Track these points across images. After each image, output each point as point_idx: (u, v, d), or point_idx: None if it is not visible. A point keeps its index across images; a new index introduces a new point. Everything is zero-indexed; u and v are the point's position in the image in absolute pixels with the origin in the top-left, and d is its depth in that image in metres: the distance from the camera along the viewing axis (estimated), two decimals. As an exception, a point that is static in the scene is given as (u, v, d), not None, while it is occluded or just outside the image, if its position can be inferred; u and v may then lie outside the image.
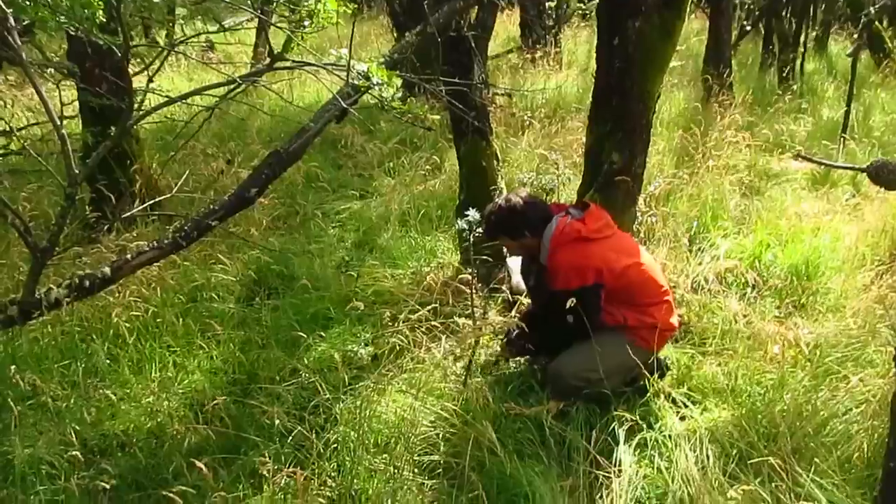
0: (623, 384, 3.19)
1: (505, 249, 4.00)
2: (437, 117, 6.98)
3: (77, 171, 2.80)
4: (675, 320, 3.25)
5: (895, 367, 1.27)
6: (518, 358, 3.43)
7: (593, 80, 4.01)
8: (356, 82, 2.19)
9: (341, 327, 3.81)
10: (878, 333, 3.34)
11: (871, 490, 2.53)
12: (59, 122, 2.85)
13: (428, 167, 6.21)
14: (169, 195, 3.66)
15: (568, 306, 2.89)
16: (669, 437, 2.94)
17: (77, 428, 2.91)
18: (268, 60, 2.68)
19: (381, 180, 6.13)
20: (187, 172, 4.15)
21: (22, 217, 2.86)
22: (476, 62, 4.06)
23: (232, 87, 2.97)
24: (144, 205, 3.60)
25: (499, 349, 3.44)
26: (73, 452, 2.76)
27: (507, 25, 13.26)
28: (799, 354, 3.37)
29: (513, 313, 3.82)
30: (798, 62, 10.44)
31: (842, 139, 6.63)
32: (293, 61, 2.60)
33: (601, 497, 2.69)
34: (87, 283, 2.97)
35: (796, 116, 7.63)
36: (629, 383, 3.22)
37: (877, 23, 10.74)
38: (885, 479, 1.34)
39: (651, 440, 2.93)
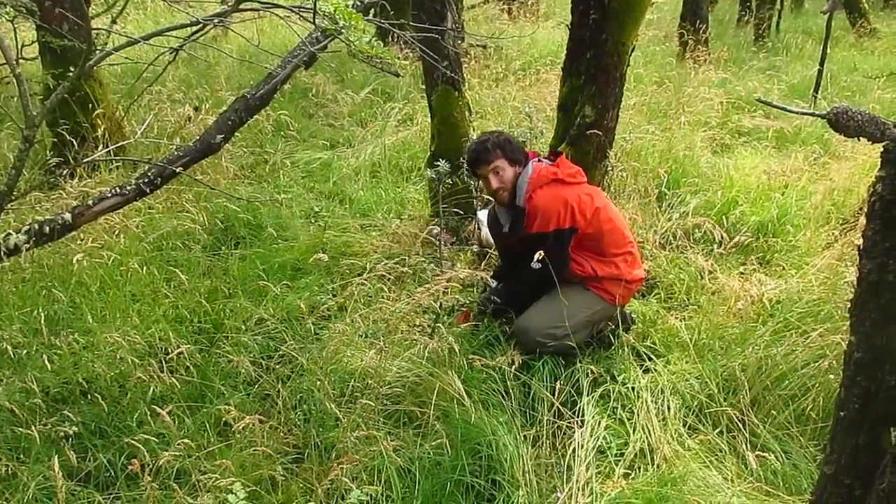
0: (590, 337, 3.22)
1: (475, 201, 3.99)
2: (407, 62, 6.89)
3: (35, 113, 2.71)
4: (640, 273, 3.28)
5: (850, 319, 1.29)
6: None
7: (568, 32, 3.97)
8: (323, 25, 2.13)
9: (309, 278, 3.79)
10: (838, 290, 3.40)
11: (824, 441, 2.60)
12: (14, 62, 2.75)
13: (400, 118, 6.14)
14: (132, 140, 3.56)
15: (537, 258, 2.88)
16: (632, 389, 2.99)
17: (38, 375, 2.88)
18: (233, 1, 2.60)
19: (352, 130, 6.05)
20: (151, 116, 4.04)
21: (-23, 160, 2.78)
22: (450, 10, 3.97)
23: (197, 28, 2.88)
24: (107, 149, 3.50)
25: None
26: (35, 400, 2.74)
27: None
28: (761, 310, 3.44)
29: (482, 266, 3.83)
30: (774, 20, 10.44)
31: (813, 98, 6.66)
32: (259, 2, 2.51)
33: (563, 446, 2.74)
34: (47, 228, 2.90)
35: (770, 74, 7.63)
36: (595, 336, 3.26)
37: (853, -18, 10.73)
38: (835, 426, 1.37)
39: (614, 392, 2.97)
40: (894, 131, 1.02)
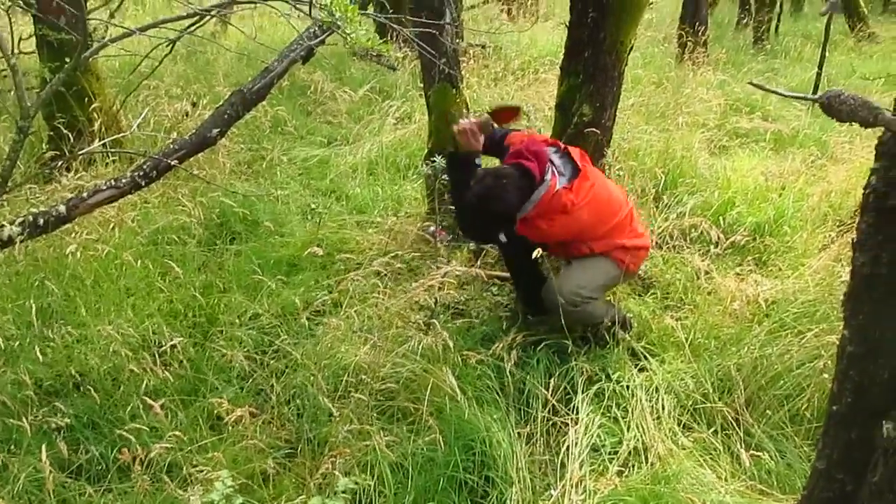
0: (609, 310, 3.22)
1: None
2: (405, 60, 6.88)
3: (30, 104, 2.70)
4: (643, 241, 3.24)
5: (843, 312, 1.28)
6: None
7: (567, 32, 3.97)
8: (319, 16, 2.13)
9: (304, 273, 3.78)
10: (834, 290, 3.40)
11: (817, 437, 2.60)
12: (9, 52, 2.74)
13: (398, 115, 6.13)
14: (129, 134, 3.54)
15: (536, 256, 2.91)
16: (627, 387, 2.98)
17: (31, 368, 2.86)
18: (230, -6, 2.60)
19: (349, 128, 6.04)
20: (146, 110, 4.02)
21: (-29, 151, 2.77)
22: (448, 7, 3.96)
23: (194, 20, 2.87)
24: (102, 142, 3.49)
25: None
26: (28, 392, 2.73)
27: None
28: (757, 310, 3.43)
29: (478, 263, 3.82)
30: (773, 23, 10.45)
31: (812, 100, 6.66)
32: (256, -5, 2.51)
33: (557, 444, 2.73)
34: (41, 220, 2.89)
35: (769, 77, 7.63)
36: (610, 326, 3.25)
37: (852, -14, 10.75)
38: (827, 421, 1.37)
39: (609, 390, 2.97)
40: (886, 116, 1.02)
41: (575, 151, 3.18)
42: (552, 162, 3.09)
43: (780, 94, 1.16)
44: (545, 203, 2.99)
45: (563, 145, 3.24)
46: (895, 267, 1.15)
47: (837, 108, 1.05)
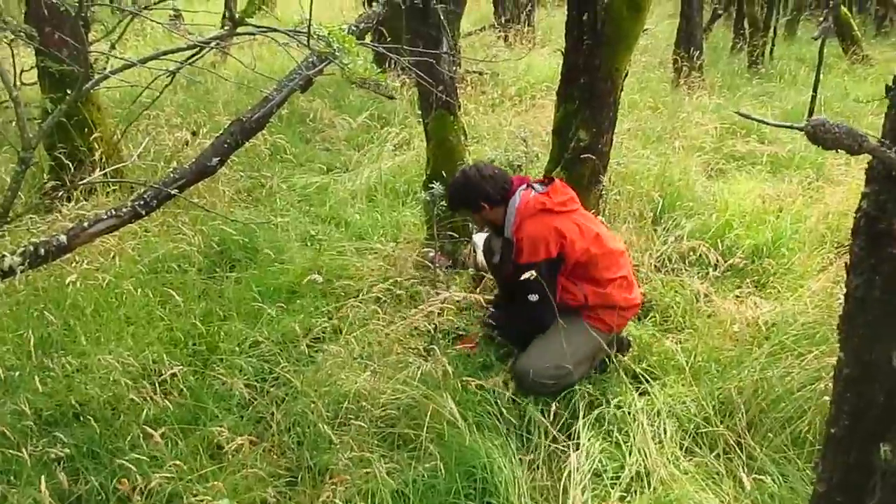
0: (591, 370, 3.19)
1: (470, 224, 4.00)
2: (404, 87, 6.94)
3: (31, 136, 2.73)
4: (636, 297, 3.24)
5: (839, 335, 1.30)
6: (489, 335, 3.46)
7: (562, 58, 4.02)
8: (317, 48, 2.16)
9: (304, 300, 3.78)
10: (833, 312, 3.40)
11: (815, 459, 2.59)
12: (11, 83, 2.77)
13: (397, 142, 6.18)
14: (129, 163, 3.57)
15: (527, 276, 2.87)
16: (628, 412, 2.97)
17: (31, 398, 2.86)
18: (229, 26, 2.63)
19: (349, 155, 6.08)
20: (147, 139, 4.06)
21: (-27, 182, 2.79)
22: (445, 36, 4.01)
23: (194, 51, 2.90)
24: (103, 172, 3.51)
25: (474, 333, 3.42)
26: (27, 422, 2.73)
27: (480, 3, 13.20)
28: (757, 332, 3.44)
29: (478, 290, 3.83)
30: (768, 47, 10.55)
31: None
32: (255, 27, 2.54)
33: (559, 469, 2.72)
34: (41, 250, 2.89)
35: (764, 100, 7.70)
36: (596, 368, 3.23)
37: (844, 10, 10.87)
38: (826, 444, 1.37)
39: (609, 415, 2.96)
40: (870, 143, 1.03)
41: (557, 181, 3.25)
42: (532, 186, 3.18)
43: (767, 124, 1.18)
44: (523, 207, 3.08)
45: (546, 178, 3.32)
46: (888, 290, 1.17)
47: (822, 137, 1.07)
